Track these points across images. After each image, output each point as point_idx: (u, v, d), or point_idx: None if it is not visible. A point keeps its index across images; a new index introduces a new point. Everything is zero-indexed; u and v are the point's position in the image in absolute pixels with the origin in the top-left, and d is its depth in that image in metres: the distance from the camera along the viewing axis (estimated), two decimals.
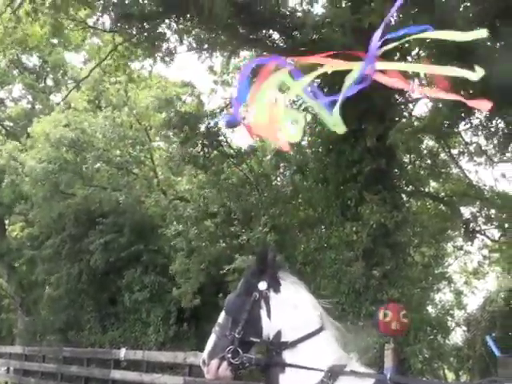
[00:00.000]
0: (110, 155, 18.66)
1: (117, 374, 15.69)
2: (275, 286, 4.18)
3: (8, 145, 21.44)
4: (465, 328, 15.25)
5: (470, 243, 15.83)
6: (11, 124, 28.60)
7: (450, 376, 14.37)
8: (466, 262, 20.05)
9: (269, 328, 4.08)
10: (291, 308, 4.11)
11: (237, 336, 4.02)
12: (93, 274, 18.75)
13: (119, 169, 18.93)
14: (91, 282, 19.16)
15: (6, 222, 28.07)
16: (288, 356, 4.04)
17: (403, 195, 13.37)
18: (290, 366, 4.00)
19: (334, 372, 3.92)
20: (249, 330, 4.05)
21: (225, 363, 4.02)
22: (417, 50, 12.18)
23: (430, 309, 14.06)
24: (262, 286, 4.14)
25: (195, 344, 15.39)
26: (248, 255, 13.66)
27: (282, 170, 15.10)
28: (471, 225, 14.26)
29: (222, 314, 4.22)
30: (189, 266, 15.01)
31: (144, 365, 14.66)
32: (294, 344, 4.02)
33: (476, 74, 3.38)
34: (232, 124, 4.39)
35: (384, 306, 7.77)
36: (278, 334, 4.06)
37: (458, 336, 15.32)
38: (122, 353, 15.41)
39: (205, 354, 4.13)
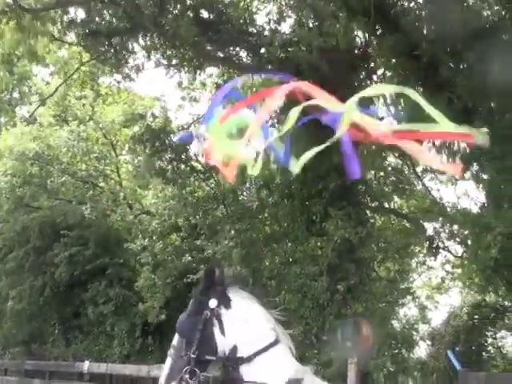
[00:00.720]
0: (75, 169, 18.57)
1: None
2: (225, 302, 4.21)
3: None
4: (429, 342, 15.38)
5: (433, 258, 16.02)
6: None
7: None
8: (430, 277, 20.24)
9: (223, 344, 4.11)
10: (244, 323, 4.15)
11: (192, 356, 4.04)
12: (57, 286, 18.57)
13: (84, 182, 18.85)
14: (55, 294, 18.95)
15: None
16: (245, 371, 4.07)
17: (368, 211, 13.50)
18: (247, 382, 4.03)
19: None
20: (203, 348, 4.07)
21: None
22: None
23: (394, 323, 14.20)
24: (213, 303, 4.17)
25: (160, 357, 15.29)
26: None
27: (248, 185, 15.13)
28: (434, 241, 14.44)
29: (176, 337, 4.25)
30: (154, 280, 14.98)
31: (108, 378, 14.62)
32: (250, 358, 4.05)
33: (481, 136, 3.40)
34: (184, 140, 4.43)
35: (360, 320, 7.84)
36: (234, 349, 4.09)
37: (422, 350, 15.44)
38: (86, 366, 15.36)
39: (162, 378, 4.14)
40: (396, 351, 12.21)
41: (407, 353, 12.78)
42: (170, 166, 14.87)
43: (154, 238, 15.49)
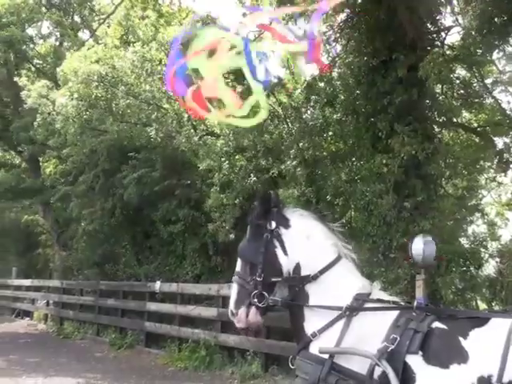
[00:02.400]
0: (139, 91, 18.56)
1: (152, 306, 16.11)
2: (283, 222, 4.20)
3: (38, 83, 21.38)
4: (498, 259, 15.18)
5: (503, 174, 15.61)
6: (40, 62, 28.60)
7: (483, 307, 14.39)
8: (499, 194, 19.84)
9: (287, 264, 4.12)
10: (305, 240, 4.14)
11: (258, 279, 4.07)
12: (126, 208, 18.96)
13: (149, 104, 18.88)
14: (125, 216, 19.38)
15: (40, 159, 28.41)
16: (311, 289, 4.08)
17: (435, 126, 13.17)
18: (314, 306, 4.03)
19: (358, 301, 3.96)
20: (268, 270, 4.09)
21: (253, 309, 4.08)
22: None
23: (463, 240, 14.02)
24: (271, 225, 4.15)
25: (229, 276, 15.51)
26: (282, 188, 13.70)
27: (312, 104, 14.88)
28: (505, 155, 14.02)
29: (239, 262, 4.25)
30: (223, 200, 15.03)
31: (178, 297, 14.97)
32: (315, 277, 4.05)
33: None
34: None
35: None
36: (297, 267, 4.10)
37: (491, 267, 15.28)
38: (157, 285, 15.76)
39: (231, 305, 4.19)
40: (464, 269, 12.07)
41: (476, 270, 12.62)
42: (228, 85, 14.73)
43: (221, 158, 15.46)
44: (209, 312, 13.84)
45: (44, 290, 25.67)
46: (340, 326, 3.87)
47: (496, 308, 12.78)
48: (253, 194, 14.27)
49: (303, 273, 4.07)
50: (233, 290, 4.20)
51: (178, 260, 18.18)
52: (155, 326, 15.92)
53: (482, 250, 13.31)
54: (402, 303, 4.09)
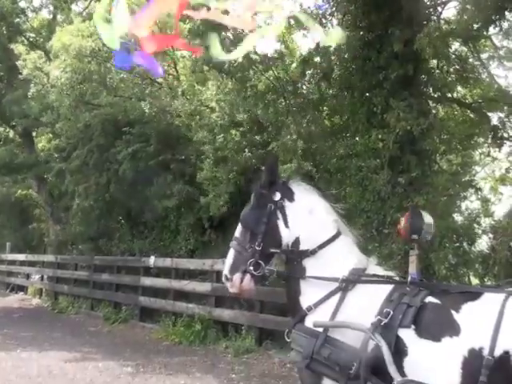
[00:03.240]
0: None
1: (147, 281, 16.17)
2: (288, 195, 4.22)
3: (32, 54, 21.15)
4: (491, 235, 15.24)
5: (497, 149, 15.64)
6: (33, 35, 28.36)
7: (475, 282, 14.49)
8: (493, 169, 19.88)
9: (287, 237, 4.14)
10: (307, 215, 4.16)
11: (257, 248, 4.09)
12: (121, 183, 18.88)
13: (143, 78, 18.76)
14: (120, 191, 19.30)
15: (34, 134, 28.28)
16: (309, 263, 4.11)
17: (430, 101, 13.16)
18: (311, 277, 4.06)
19: (354, 276, 3.99)
20: (268, 241, 4.11)
21: (248, 276, 4.10)
22: None
23: (456, 216, 14.07)
24: (276, 196, 4.16)
25: (223, 252, 15.51)
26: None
27: (307, 78, 14.84)
28: (499, 131, 14.03)
29: (239, 228, 4.27)
30: (216, 174, 15.00)
31: (173, 272, 15.02)
32: (314, 251, 4.08)
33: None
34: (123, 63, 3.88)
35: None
36: (297, 241, 4.12)
37: (484, 243, 15.35)
38: (152, 260, 15.81)
39: (226, 270, 4.20)
40: (457, 244, 12.13)
41: (469, 246, 12.68)
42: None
43: (215, 131, 15.40)
44: (203, 287, 13.90)
45: (38, 265, 25.70)
46: (335, 300, 3.90)
47: (488, 283, 12.87)
48: (247, 169, 14.27)
49: (302, 247, 4.09)
50: (229, 255, 4.21)
51: (173, 235, 18.20)
52: (149, 301, 15.97)
53: (476, 225, 13.36)
54: (397, 278, 4.11)
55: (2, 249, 31.28)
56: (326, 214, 4.19)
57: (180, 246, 17.61)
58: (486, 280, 13.60)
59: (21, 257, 28.10)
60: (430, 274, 10.36)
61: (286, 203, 4.17)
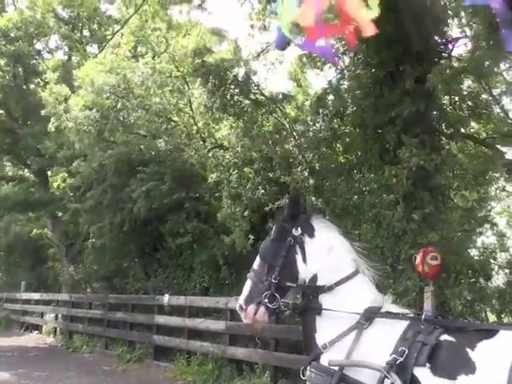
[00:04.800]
0: (149, 103, 18.61)
1: (161, 319, 16.12)
2: (309, 230, 4.24)
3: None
4: (508, 270, 15.12)
5: None
6: (49, 76, 28.76)
7: (492, 318, 14.34)
8: (509, 204, 19.77)
9: (305, 272, 4.16)
10: (326, 252, 4.17)
11: (273, 281, 4.12)
12: (135, 222, 18.92)
13: (159, 116, 18.93)
14: (134, 229, 19.35)
15: (49, 173, 28.51)
16: (324, 300, 4.11)
17: (443, 138, 13.16)
18: (327, 310, 4.06)
19: (370, 314, 3.97)
20: (285, 275, 4.14)
21: (262, 308, 4.12)
22: None
23: (472, 252, 13.97)
24: (297, 231, 4.19)
25: (237, 290, 15.51)
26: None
27: (320, 116, 14.93)
28: None
29: (257, 260, 4.30)
30: (235, 211, 15.02)
31: (187, 310, 14.98)
32: (330, 288, 4.08)
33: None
34: (280, 45, 4.12)
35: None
36: (314, 278, 4.14)
37: (500, 278, 15.21)
38: (166, 299, 15.76)
39: (241, 300, 4.22)
40: (473, 280, 12.03)
41: (485, 282, 12.57)
42: (231, 101, 14.83)
43: (230, 170, 15.49)
44: (217, 325, 13.83)
45: (53, 304, 25.72)
46: (351, 338, 3.89)
47: (505, 320, 12.75)
48: (261, 206, 14.28)
49: (319, 283, 4.10)
50: (246, 286, 4.23)
51: (186, 273, 18.18)
52: (164, 339, 15.91)
53: (492, 261, 13.27)
54: (412, 316, 4.10)
55: (17, 288, 31.32)
56: (344, 253, 4.20)
57: (194, 284, 17.59)
58: (502, 316, 13.47)
59: (35, 296, 28.12)
60: (445, 310, 10.26)
61: (306, 239, 4.19)
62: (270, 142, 14.95)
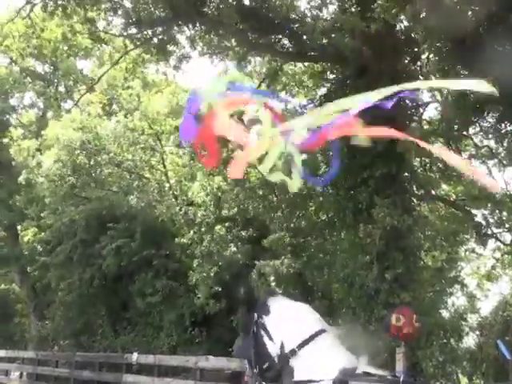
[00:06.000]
0: (121, 159, 18.62)
1: (129, 378, 15.74)
2: (265, 310, 4.30)
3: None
4: (478, 332, 15.16)
5: (482, 246, 15.74)
6: (22, 131, 28.74)
7: (464, 380, 14.31)
8: (479, 266, 19.94)
9: (275, 348, 4.18)
10: (284, 320, 4.22)
11: (255, 371, 4.26)
12: (104, 278, 18.74)
13: (131, 173, 18.93)
14: (103, 286, 19.14)
15: (19, 227, 28.18)
16: (295, 365, 4.05)
17: (414, 199, 13.32)
18: (301, 382, 4.02)
19: (346, 377, 3.93)
20: (261, 360, 4.20)
21: None
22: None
23: (443, 312, 14.01)
24: (254, 317, 4.31)
25: (207, 348, 15.38)
26: (266, 259, 13.69)
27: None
28: (483, 228, 14.18)
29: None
30: (207, 272, 14.97)
31: (156, 369, 14.69)
32: (293, 352, 4.05)
33: (487, 87, 3.20)
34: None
35: (396, 310, 7.73)
36: (282, 346, 4.13)
37: (471, 340, 15.24)
38: (134, 357, 15.45)
39: None
40: (444, 341, 12.03)
41: (456, 343, 12.59)
42: None
43: (202, 229, 15.48)
44: None
45: (18, 361, 25.06)
46: None
47: (477, 383, 12.75)
48: (233, 264, 14.25)
49: (286, 350, 4.08)
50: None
51: (156, 331, 17.94)
52: None
53: (463, 322, 13.30)
54: (389, 377, 4.05)
55: None
56: (308, 314, 4.21)
57: (163, 342, 17.33)
58: (474, 378, 13.46)
59: (1, 353, 27.44)
60: (417, 371, 10.23)
61: (265, 319, 4.24)
62: (254, 197, 15.01)
